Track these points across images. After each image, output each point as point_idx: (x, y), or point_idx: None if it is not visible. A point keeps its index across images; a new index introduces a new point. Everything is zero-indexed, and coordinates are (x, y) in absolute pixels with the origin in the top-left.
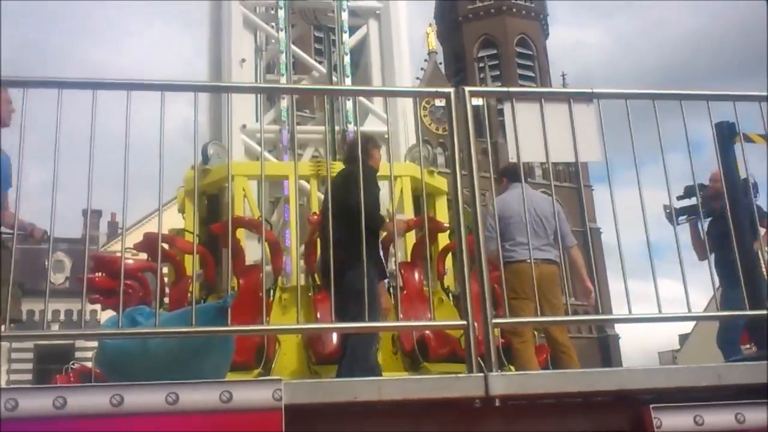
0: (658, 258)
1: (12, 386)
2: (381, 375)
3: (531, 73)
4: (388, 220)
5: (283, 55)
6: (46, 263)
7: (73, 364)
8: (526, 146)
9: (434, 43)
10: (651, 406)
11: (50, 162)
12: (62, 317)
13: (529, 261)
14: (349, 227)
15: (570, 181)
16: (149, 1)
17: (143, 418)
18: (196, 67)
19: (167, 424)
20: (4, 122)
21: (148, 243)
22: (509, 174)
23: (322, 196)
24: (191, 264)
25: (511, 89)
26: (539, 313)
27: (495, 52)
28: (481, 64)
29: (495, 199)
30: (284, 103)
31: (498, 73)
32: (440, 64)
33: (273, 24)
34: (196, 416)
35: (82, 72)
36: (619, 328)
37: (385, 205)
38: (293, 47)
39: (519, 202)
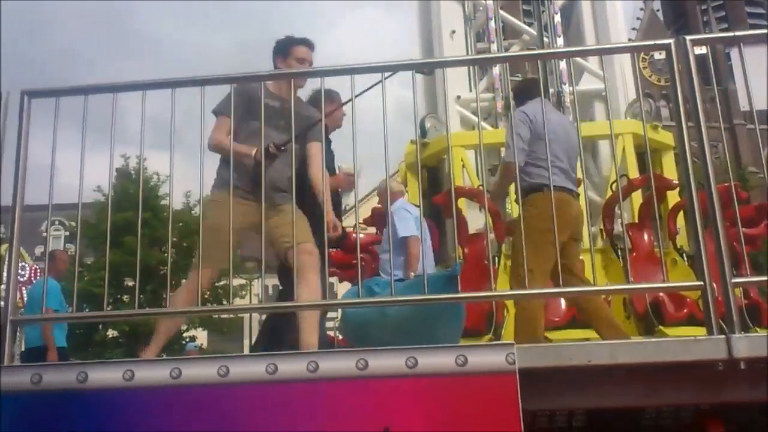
0: None
1: (272, 353)
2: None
3: (762, 10)
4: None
5: (492, 21)
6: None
7: None
8: (760, 92)
9: None
10: None
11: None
12: None
13: (567, 191)
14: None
15: None
16: None
17: (385, 380)
18: (401, 47)
19: (407, 386)
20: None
21: (377, 217)
22: (521, 91)
23: None
24: None
25: (738, 33)
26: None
27: None
28: (704, 6)
29: (531, 109)
30: (496, 70)
31: (723, 13)
32: (657, 11)
33: None
34: (434, 379)
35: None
36: None
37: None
38: (502, 12)
39: (555, 121)
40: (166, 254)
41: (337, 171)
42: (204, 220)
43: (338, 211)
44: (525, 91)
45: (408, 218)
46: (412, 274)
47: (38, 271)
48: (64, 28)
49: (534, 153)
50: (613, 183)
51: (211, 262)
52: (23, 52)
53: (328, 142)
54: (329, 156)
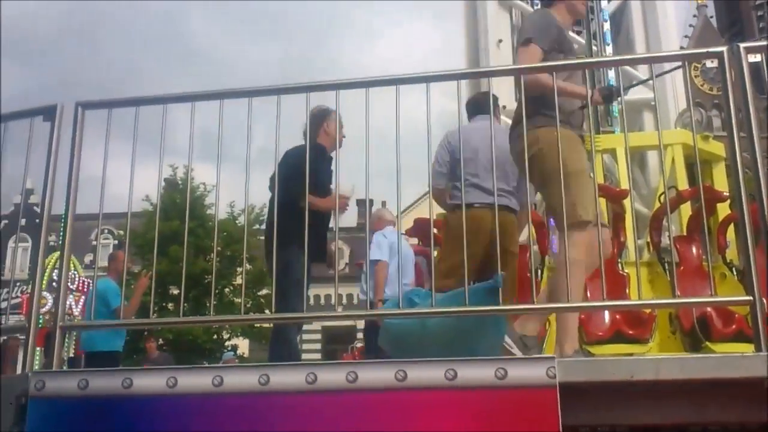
0: None
1: (312, 362)
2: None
3: None
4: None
5: None
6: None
7: (356, 343)
8: None
9: None
10: None
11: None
12: (344, 300)
13: (478, 205)
14: (280, 212)
15: None
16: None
17: (424, 392)
18: (446, 58)
19: (446, 398)
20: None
21: (419, 228)
22: (471, 105)
23: None
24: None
25: None
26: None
27: None
28: (760, 12)
29: (451, 132)
30: None
31: None
32: (711, 17)
33: (528, 0)
34: (473, 392)
35: (357, 73)
36: None
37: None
38: None
39: (482, 137)
40: (210, 263)
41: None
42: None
43: (324, 232)
44: (476, 106)
45: (381, 243)
46: (379, 298)
47: (86, 283)
48: (118, 43)
49: (454, 174)
50: (661, 195)
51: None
52: (76, 66)
53: (329, 160)
54: (327, 175)
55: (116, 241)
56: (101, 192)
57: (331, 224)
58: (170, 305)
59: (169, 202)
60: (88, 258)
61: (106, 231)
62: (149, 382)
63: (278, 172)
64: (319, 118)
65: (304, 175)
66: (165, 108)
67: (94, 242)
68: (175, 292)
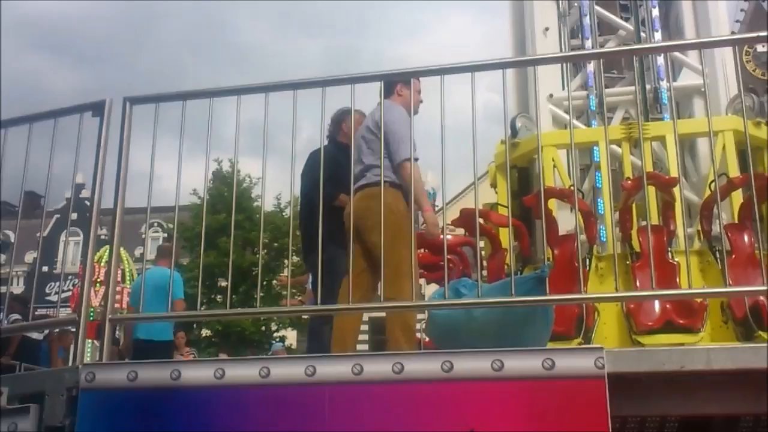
0: None
1: (358, 353)
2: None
3: None
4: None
5: (587, 17)
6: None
7: None
8: None
9: None
10: None
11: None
12: None
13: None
14: (315, 209)
15: None
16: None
17: (471, 383)
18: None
19: (493, 389)
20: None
21: (465, 218)
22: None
23: (637, 161)
24: (506, 237)
25: None
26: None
27: None
28: None
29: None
30: (591, 67)
31: None
32: (763, 2)
33: None
34: (520, 382)
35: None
36: None
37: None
38: (597, 8)
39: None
40: (257, 256)
41: None
42: None
43: None
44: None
45: None
46: None
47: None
48: (165, 39)
49: None
50: (711, 182)
51: None
52: (125, 63)
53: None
54: None
55: (165, 234)
56: (149, 185)
57: None
58: (219, 297)
59: (216, 195)
60: (138, 251)
61: (155, 224)
62: (197, 373)
63: (308, 174)
64: (338, 118)
65: (331, 175)
66: (211, 101)
67: (144, 235)
68: (224, 284)
